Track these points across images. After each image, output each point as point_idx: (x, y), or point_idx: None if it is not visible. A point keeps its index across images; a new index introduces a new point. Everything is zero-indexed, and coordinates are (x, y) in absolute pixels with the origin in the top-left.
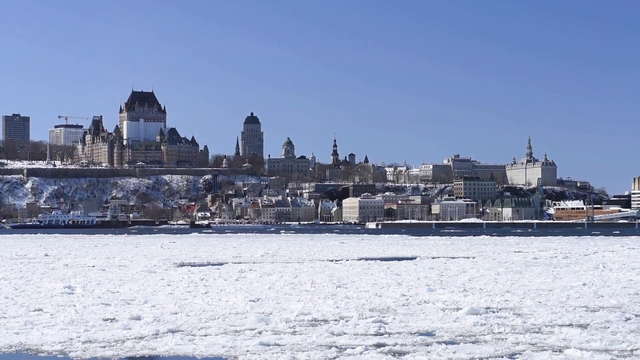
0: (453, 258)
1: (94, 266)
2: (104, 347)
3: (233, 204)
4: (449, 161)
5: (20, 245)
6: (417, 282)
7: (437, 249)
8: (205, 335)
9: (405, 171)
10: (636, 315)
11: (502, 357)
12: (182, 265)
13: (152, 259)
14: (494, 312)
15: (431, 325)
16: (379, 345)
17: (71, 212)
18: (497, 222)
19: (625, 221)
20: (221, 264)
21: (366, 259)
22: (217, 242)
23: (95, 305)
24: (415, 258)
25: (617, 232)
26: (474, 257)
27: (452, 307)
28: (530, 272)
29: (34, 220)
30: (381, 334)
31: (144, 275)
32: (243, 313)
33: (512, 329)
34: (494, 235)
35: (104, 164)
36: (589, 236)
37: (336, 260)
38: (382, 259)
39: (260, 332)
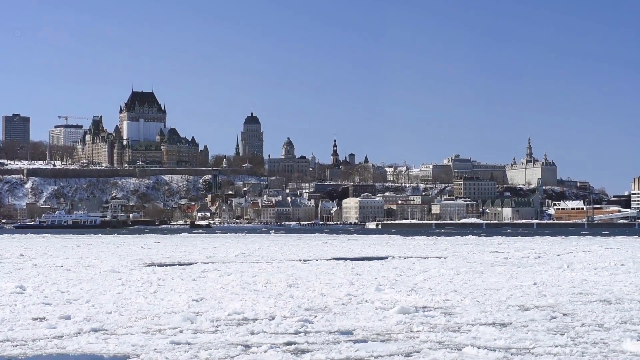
0: (425, 258)
1: (62, 266)
2: (16, 346)
3: (233, 204)
4: (448, 161)
5: (3, 245)
6: (371, 282)
7: (415, 249)
8: (124, 334)
9: (405, 171)
10: (564, 314)
11: (399, 355)
12: (151, 265)
13: (123, 259)
14: (425, 311)
15: (355, 324)
16: (288, 344)
17: (74, 213)
18: (497, 222)
19: (625, 221)
20: (189, 264)
21: (337, 259)
22: (201, 242)
23: (35, 304)
24: (386, 258)
25: (607, 232)
26: (445, 257)
27: (388, 307)
28: (491, 272)
29: (37, 220)
30: (298, 333)
31: (105, 275)
32: (177, 312)
33: (431, 328)
34: (481, 235)
35: (103, 164)
36: (576, 236)
37: (305, 260)
38: (353, 259)
39: (181, 331)
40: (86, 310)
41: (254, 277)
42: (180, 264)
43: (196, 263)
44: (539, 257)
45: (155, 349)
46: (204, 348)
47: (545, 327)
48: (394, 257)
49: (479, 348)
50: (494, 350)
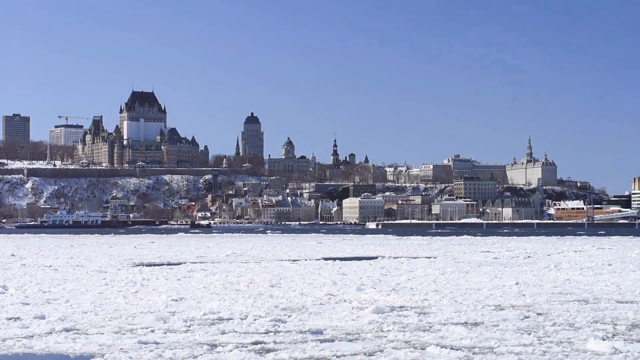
0: (414, 258)
1: (50, 266)
2: None
3: (233, 204)
4: (449, 161)
5: None
6: (355, 282)
7: (408, 249)
8: (94, 334)
9: (406, 171)
10: (538, 314)
11: (362, 354)
12: (139, 265)
13: (113, 259)
14: (400, 310)
15: (328, 324)
16: (255, 343)
17: (76, 212)
18: (497, 222)
19: (626, 221)
20: (178, 264)
21: (326, 259)
22: (195, 242)
23: (14, 304)
24: (376, 258)
25: (602, 232)
26: (435, 257)
27: (364, 307)
28: (477, 272)
29: (38, 220)
30: (268, 333)
31: (91, 275)
32: (154, 312)
33: (401, 328)
34: (477, 235)
35: (104, 164)
36: (572, 236)
37: (294, 260)
38: (342, 259)
39: (152, 331)
40: (63, 310)
41: (239, 277)
42: (169, 264)
43: (185, 263)
44: (529, 257)
45: (121, 349)
46: (170, 348)
47: (516, 327)
48: (383, 257)
49: (443, 347)
50: (457, 350)
